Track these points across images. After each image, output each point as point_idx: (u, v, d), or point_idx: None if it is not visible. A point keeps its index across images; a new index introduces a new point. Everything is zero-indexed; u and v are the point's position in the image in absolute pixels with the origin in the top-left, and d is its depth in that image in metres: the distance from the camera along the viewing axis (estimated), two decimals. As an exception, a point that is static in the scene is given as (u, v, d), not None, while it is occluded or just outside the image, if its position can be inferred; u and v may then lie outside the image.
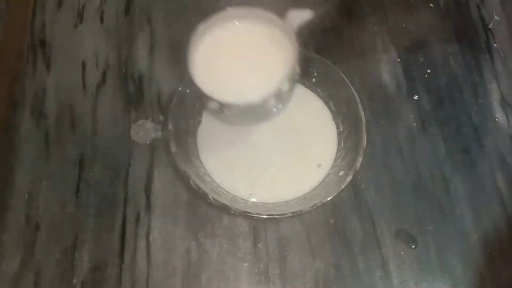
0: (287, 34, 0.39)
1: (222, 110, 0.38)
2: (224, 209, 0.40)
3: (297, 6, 0.39)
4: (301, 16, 0.39)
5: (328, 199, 0.40)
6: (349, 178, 0.40)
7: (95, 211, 0.41)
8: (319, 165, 0.44)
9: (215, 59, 0.40)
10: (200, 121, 0.45)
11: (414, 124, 0.46)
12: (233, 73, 0.39)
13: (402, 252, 0.41)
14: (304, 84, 0.46)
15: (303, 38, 0.39)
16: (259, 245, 0.41)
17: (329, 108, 0.46)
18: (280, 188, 0.43)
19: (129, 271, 0.39)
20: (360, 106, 0.42)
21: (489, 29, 0.52)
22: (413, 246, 0.42)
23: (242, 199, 0.42)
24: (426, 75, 0.49)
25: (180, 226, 0.41)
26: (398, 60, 0.49)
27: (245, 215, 0.40)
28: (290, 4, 0.39)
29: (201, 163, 0.44)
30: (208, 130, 0.45)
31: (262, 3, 0.39)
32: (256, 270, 0.40)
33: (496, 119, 0.47)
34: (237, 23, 0.40)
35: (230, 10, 0.39)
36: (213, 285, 0.40)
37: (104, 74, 0.47)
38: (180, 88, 0.43)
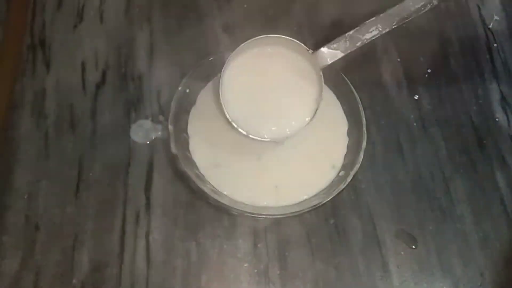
0: (313, 69, 0.41)
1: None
2: (224, 209, 0.40)
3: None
4: (332, 55, 0.40)
5: (328, 199, 0.40)
6: (349, 178, 0.40)
7: (95, 211, 0.41)
8: (333, 166, 0.42)
9: (243, 86, 0.41)
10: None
11: (414, 124, 0.46)
12: (260, 106, 0.41)
13: (402, 252, 0.41)
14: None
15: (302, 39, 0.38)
16: (259, 245, 0.41)
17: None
18: (286, 193, 0.41)
19: (129, 272, 0.39)
20: (360, 106, 0.43)
21: (489, 29, 0.52)
22: (413, 246, 0.42)
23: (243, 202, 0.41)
24: (426, 75, 0.49)
25: (180, 226, 0.41)
26: (398, 60, 0.49)
27: (245, 215, 0.40)
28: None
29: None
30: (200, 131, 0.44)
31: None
32: (256, 271, 0.40)
33: (496, 119, 0.47)
34: (269, 49, 0.41)
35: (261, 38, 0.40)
36: (213, 285, 0.40)
37: (104, 74, 0.47)
38: (180, 88, 0.43)
